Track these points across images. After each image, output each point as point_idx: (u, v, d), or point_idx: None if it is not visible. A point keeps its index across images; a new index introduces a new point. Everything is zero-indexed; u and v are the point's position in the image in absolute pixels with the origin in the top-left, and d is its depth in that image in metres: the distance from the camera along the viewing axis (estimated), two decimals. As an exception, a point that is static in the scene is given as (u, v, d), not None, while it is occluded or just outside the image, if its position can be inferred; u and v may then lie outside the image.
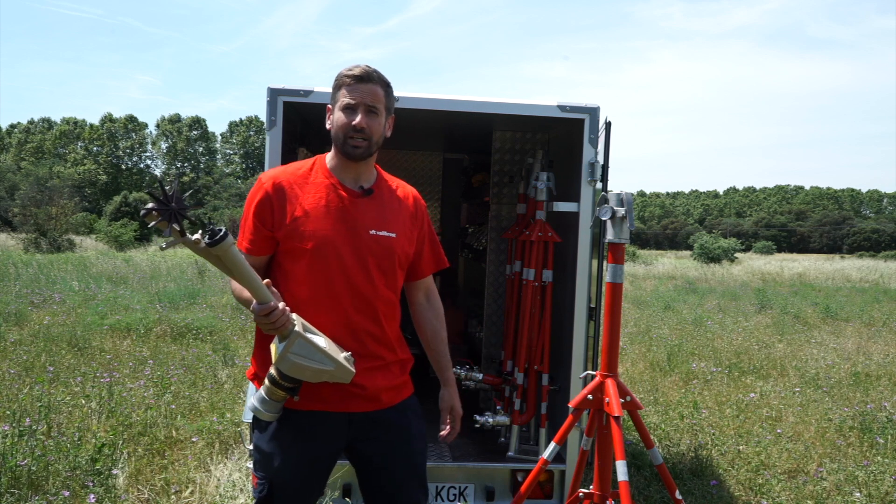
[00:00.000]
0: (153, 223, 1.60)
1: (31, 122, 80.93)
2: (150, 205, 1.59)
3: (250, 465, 3.57)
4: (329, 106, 2.12)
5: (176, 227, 1.61)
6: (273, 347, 1.90)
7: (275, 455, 2.04)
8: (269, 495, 2.05)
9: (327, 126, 2.12)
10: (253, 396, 1.98)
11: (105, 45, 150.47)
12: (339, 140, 2.06)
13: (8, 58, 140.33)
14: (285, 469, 2.05)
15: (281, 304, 1.82)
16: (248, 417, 3.72)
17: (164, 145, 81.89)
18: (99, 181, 72.35)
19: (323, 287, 2.03)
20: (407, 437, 2.16)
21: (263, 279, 1.84)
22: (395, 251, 2.10)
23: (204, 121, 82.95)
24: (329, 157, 2.16)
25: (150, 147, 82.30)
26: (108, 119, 78.66)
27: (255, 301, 1.81)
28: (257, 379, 2.15)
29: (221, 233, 1.66)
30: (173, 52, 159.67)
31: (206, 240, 1.66)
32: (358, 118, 2.02)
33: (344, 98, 2.04)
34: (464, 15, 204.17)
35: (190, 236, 1.65)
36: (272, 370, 1.89)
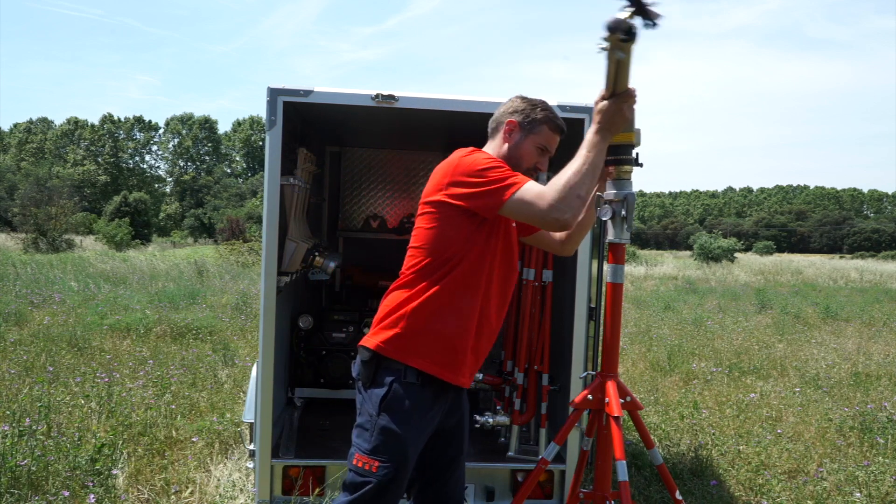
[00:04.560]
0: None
1: (31, 121, 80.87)
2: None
3: (250, 464, 3.57)
4: (516, 122, 2.33)
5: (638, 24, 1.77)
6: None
7: (408, 439, 2.15)
8: (394, 478, 2.13)
9: (507, 140, 2.32)
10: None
11: (105, 45, 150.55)
12: (520, 167, 2.30)
13: (8, 58, 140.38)
14: (415, 449, 2.17)
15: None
16: (248, 417, 3.71)
17: (170, 145, 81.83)
18: (99, 181, 72.29)
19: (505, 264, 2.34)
20: (467, 413, 2.48)
21: None
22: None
23: (215, 122, 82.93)
24: None
25: (154, 148, 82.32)
26: (107, 119, 78.53)
27: (615, 91, 2.03)
28: (386, 351, 2.21)
29: (634, 27, 1.79)
30: (173, 52, 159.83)
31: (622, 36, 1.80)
32: (545, 164, 2.37)
33: (544, 140, 2.35)
34: (463, 15, 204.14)
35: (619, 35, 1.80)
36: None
